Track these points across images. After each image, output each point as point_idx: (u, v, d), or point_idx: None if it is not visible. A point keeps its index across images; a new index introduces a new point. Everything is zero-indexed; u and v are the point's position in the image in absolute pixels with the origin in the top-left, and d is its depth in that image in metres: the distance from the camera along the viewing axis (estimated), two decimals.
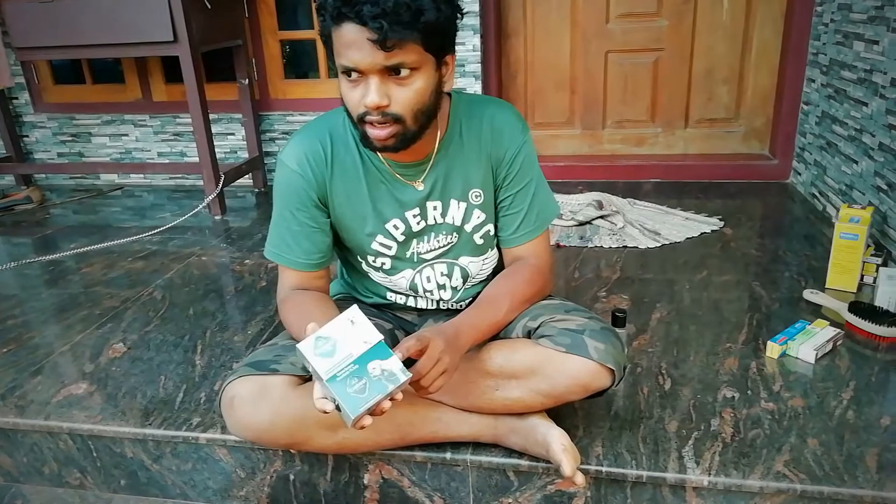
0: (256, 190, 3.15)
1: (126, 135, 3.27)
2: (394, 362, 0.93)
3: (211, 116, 2.94)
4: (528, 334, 1.15)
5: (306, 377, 1.12)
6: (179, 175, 3.29)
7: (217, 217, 2.75)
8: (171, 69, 3.12)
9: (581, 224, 2.37)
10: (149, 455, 1.37)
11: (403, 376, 0.92)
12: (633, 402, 1.35)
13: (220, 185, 2.72)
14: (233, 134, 3.19)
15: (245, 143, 3.13)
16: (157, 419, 1.38)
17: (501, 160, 1.18)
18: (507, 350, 1.13)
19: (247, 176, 3.12)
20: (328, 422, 1.11)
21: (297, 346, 0.92)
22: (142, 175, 3.32)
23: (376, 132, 1.01)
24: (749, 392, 1.38)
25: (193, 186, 3.25)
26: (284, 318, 1.17)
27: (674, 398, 1.37)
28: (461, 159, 1.16)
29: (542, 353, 1.10)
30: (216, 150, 2.83)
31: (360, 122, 1.02)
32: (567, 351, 1.09)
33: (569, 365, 1.08)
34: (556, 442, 1.11)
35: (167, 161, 3.22)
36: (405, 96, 0.99)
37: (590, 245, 2.23)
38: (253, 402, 1.09)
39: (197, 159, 3.10)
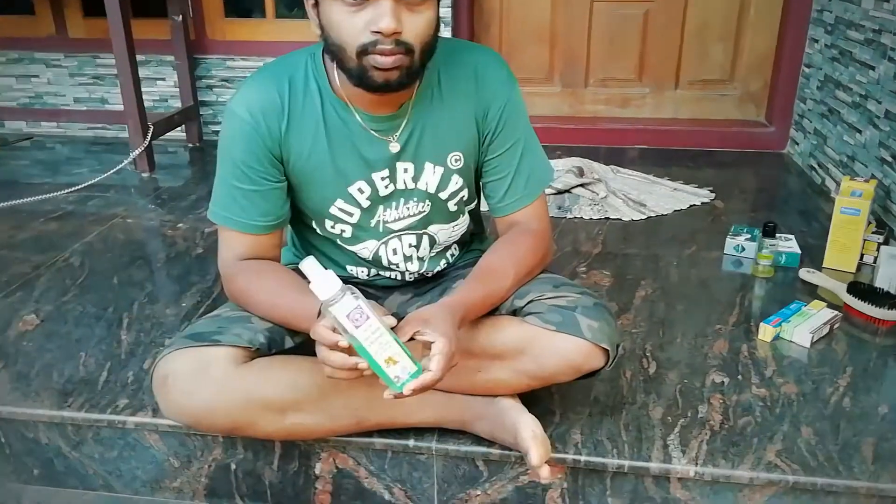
0: (191, 145, 3.09)
1: (36, 76, 3.15)
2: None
3: (138, 58, 2.86)
4: (514, 313, 1.17)
5: (253, 351, 1.12)
6: (100, 125, 3.20)
7: (144, 175, 2.70)
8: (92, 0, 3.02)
9: (559, 192, 2.38)
10: (67, 441, 1.35)
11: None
12: (615, 387, 1.37)
13: (149, 137, 2.66)
14: (163, 79, 3.11)
15: (178, 90, 3.06)
16: (76, 401, 1.35)
17: (486, 116, 1.17)
18: (492, 329, 1.15)
19: (179, 128, 3.05)
20: (277, 403, 1.11)
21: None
22: (55, 123, 3.21)
23: (384, 59, 0.99)
24: (740, 377, 1.41)
25: (116, 139, 3.17)
26: (244, 296, 1.16)
27: (659, 383, 1.39)
28: (439, 115, 1.16)
29: (529, 331, 1.12)
30: (144, 97, 2.76)
31: (360, 55, 1.00)
32: (557, 329, 1.10)
33: (559, 344, 1.10)
34: (526, 429, 1.13)
35: (85, 108, 3.13)
36: (418, 25, 0.99)
37: (568, 216, 2.24)
38: (190, 380, 1.08)
39: (121, 107, 3.01)
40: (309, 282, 0.94)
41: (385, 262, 1.27)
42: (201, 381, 1.08)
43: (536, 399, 1.28)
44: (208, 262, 1.93)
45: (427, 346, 0.99)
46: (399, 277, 1.32)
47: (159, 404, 1.13)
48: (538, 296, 1.16)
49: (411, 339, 0.99)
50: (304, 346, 1.13)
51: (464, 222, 1.30)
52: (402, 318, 1.03)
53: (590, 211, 2.27)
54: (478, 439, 1.23)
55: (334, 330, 0.95)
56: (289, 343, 1.16)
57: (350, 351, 0.95)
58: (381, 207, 1.21)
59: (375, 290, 1.34)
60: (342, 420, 1.18)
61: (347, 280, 1.31)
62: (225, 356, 1.09)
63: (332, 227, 1.23)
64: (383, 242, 1.25)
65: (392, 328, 0.97)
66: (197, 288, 1.79)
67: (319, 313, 1.00)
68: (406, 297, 1.36)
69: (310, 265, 0.94)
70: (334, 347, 0.95)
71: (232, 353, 1.10)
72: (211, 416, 1.10)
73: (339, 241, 1.25)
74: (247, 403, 1.09)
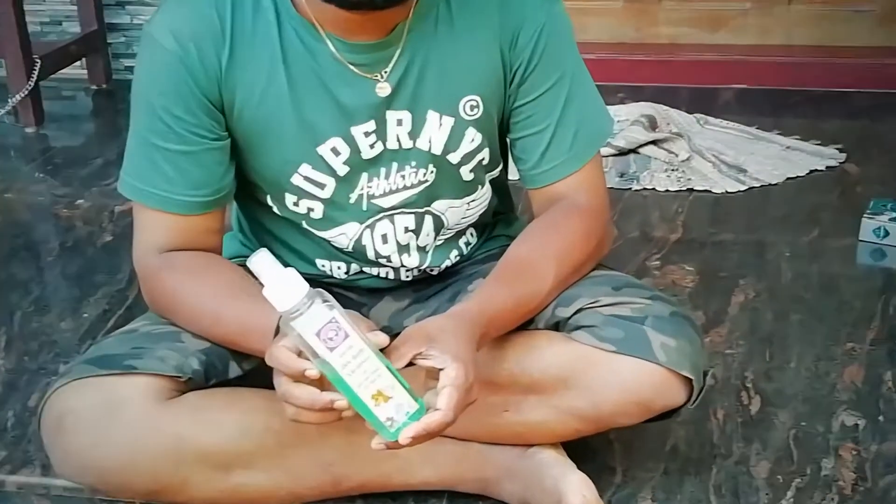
0: (95, 87, 3.09)
1: None
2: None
3: None
4: (557, 327, 1.18)
5: (184, 382, 1.13)
6: None
7: (29, 130, 2.71)
8: None
9: (622, 153, 2.36)
10: None
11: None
12: (701, 432, 1.38)
13: (35, 77, 2.66)
14: None
15: (75, 7, 3.05)
16: None
17: (514, 43, 1.18)
18: (525, 350, 1.16)
19: (79, 64, 3.05)
20: (218, 456, 1.11)
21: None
22: None
23: None
24: (881, 419, 1.40)
25: None
26: (170, 303, 1.17)
27: (765, 426, 1.39)
28: (447, 44, 1.16)
29: (579, 353, 1.13)
30: (27, 17, 2.75)
31: None
32: (618, 350, 1.11)
33: (621, 372, 1.11)
34: (576, 494, 1.13)
35: None
36: None
37: (635, 187, 2.23)
38: (95, 424, 1.09)
39: None
40: (262, 285, 0.94)
41: (371, 255, 1.27)
42: (111, 424, 1.08)
43: (589, 450, 1.27)
44: (120, 254, 1.93)
45: (433, 374, 0.99)
46: (391, 276, 1.32)
47: (51, 457, 1.13)
48: (591, 302, 1.16)
49: (410, 364, 0.99)
50: (257, 374, 1.13)
51: (483, 197, 1.30)
52: (397, 334, 1.03)
53: (666, 180, 2.26)
54: None
55: (300, 354, 0.95)
56: (234, 371, 1.17)
57: (323, 383, 0.95)
58: (364, 176, 1.20)
59: (358, 294, 1.35)
60: (310, 479, 1.18)
61: (318, 281, 1.30)
62: (144, 389, 1.10)
63: (296, 205, 1.23)
64: (368, 226, 1.25)
65: (382, 350, 0.97)
66: (104, 292, 1.78)
67: (278, 329, 1.00)
68: (402, 305, 1.36)
69: (262, 261, 0.94)
70: (300, 378, 0.95)
71: (154, 386, 1.10)
72: (124, 473, 1.10)
73: (305, 225, 1.25)
74: (175, 456, 1.10)
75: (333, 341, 0.92)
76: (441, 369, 0.98)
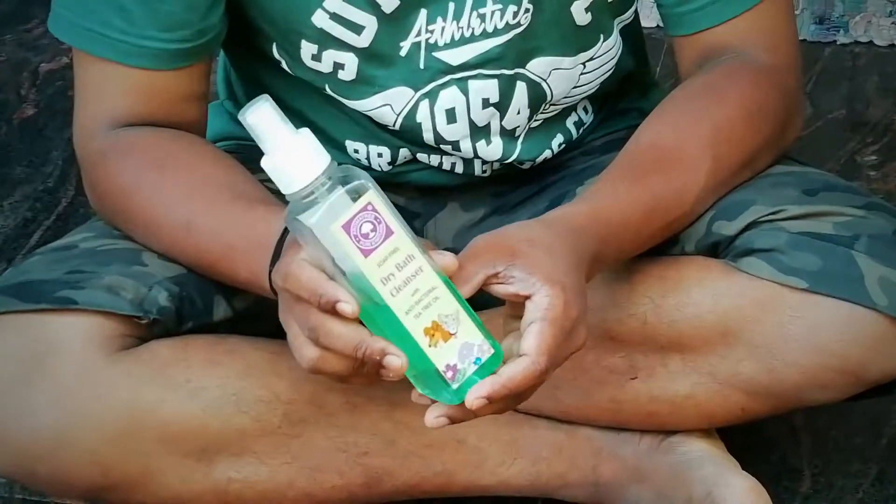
0: None
1: None
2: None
3: None
4: (714, 248, 1.18)
5: (145, 325, 1.14)
6: None
7: None
8: None
9: None
10: None
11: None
12: None
13: None
14: None
15: None
16: None
17: None
18: (666, 284, 1.18)
19: None
20: (196, 437, 1.14)
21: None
22: None
23: None
24: None
25: None
26: (126, 203, 1.19)
27: None
28: None
29: (749, 292, 1.14)
30: None
31: None
32: (812, 288, 1.12)
33: (817, 321, 1.12)
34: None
35: None
36: None
37: (841, 39, 2.23)
38: (15, 384, 1.12)
39: None
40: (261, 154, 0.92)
41: (430, 139, 1.28)
42: (36, 385, 1.11)
43: (762, 442, 1.29)
44: (49, 135, 1.96)
45: (517, 309, 0.99)
46: (459, 169, 1.34)
47: None
48: (769, 213, 1.15)
49: (479, 291, 0.98)
50: (255, 317, 1.15)
51: (607, 55, 1.31)
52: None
53: (891, 29, 2.24)
54: None
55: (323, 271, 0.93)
56: (222, 310, 1.20)
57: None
58: (422, 14, 1.21)
59: (407, 198, 1.38)
60: (334, 475, 1.21)
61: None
62: (85, 335, 1.12)
63: (316, 59, 1.23)
64: (426, 94, 1.26)
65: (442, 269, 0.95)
66: (24, 192, 1.83)
67: (285, 232, 1.00)
68: (474, 217, 1.39)
69: (262, 115, 0.91)
70: (325, 308, 0.93)
71: (100, 329, 1.12)
72: (55, 460, 1.13)
73: (329, 91, 1.27)
74: (131, 436, 1.13)
75: (369, 239, 0.90)
76: (527, 297, 0.96)
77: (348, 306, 0.89)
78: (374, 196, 0.90)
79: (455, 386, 0.93)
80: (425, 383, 0.94)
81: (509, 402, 0.96)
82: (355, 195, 0.90)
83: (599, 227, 1.06)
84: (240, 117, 0.91)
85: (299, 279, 0.92)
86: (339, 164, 1.26)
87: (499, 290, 0.97)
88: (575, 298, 0.97)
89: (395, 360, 0.91)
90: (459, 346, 0.93)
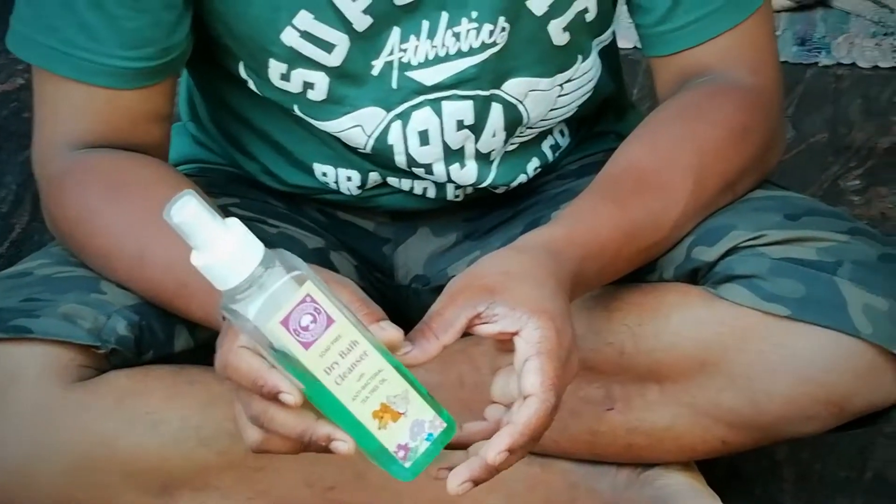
0: None
1: None
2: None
3: None
4: (694, 275, 1.18)
5: (102, 355, 1.14)
6: None
7: None
8: None
9: (803, 7, 2.37)
10: None
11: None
12: None
13: None
14: None
15: None
16: None
17: None
18: (644, 312, 1.18)
19: None
20: (155, 470, 1.13)
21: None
22: None
23: None
24: None
25: None
26: (82, 230, 1.19)
27: None
28: None
29: (730, 319, 1.14)
30: None
31: None
32: (795, 315, 1.11)
33: (799, 349, 1.12)
34: None
35: None
36: None
37: (824, 60, 2.24)
38: None
39: None
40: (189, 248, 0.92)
41: (401, 162, 1.28)
42: None
43: (742, 476, 1.30)
44: (6, 155, 1.94)
45: (506, 345, 0.98)
46: (431, 193, 1.33)
47: None
48: (750, 238, 1.15)
49: (466, 334, 0.98)
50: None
51: (586, 77, 1.31)
52: (435, 289, 1.02)
53: (874, 50, 2.26)
54: None
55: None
56: (183, 341, 1.19)
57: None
58: (395, 32, 1.21)
59: (377, 223, 1.38)
60: None
61: (316, 199, 1.32)
62: (42, 365, 1.11)
63: (285, 79, 1.23)
64: (399, 115, 1.25)
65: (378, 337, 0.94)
66: None
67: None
68: (446, 243, 1.39)
69: (186, 211, 0.90)
70: (268, 398, 0.92)
71: (57, 359, 1.12)
72: (16, 491, 1.13)
73: (298, 111, 1.26)
74: (88, 470, 1.12)
75: (309, 331, 0.90)
76: (515, 333, 0.95)
77: (290, 397, 0.88)
78: (312, 286, 0.89)
79: (407, 464, 0.93)
80: (377, 459, 0.94)
81: (531, 444, 0.95)
82: (293, 285, 0.89)
83: (577, 250, 1.05)
84: (164, 216, 0.89)
85: (238, 370, 0.91)
86: (307, 192, 1.26)
87: (484, 330, 0.96)
88: (564, 325, 0.96)
89: (342, 446, 0.90)
90: (410, 425, 0.93)
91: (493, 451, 0.90)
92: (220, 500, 1.15)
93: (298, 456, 1.13)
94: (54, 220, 1.20)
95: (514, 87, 1.26)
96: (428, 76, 1.22)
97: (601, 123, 1.40)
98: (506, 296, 0.96)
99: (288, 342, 0.87)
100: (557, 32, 1.23)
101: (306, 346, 0.88)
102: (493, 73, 1.24)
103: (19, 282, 1.18)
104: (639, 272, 1.17)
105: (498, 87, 1.25)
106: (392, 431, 0.91)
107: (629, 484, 1.21)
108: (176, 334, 1.16)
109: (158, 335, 1.15)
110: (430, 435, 0.92)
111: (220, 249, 0.87)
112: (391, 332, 0.93)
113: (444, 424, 0.93)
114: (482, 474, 0.92)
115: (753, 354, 1.12)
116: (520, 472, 1.19)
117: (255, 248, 0.88)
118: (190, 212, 0.87)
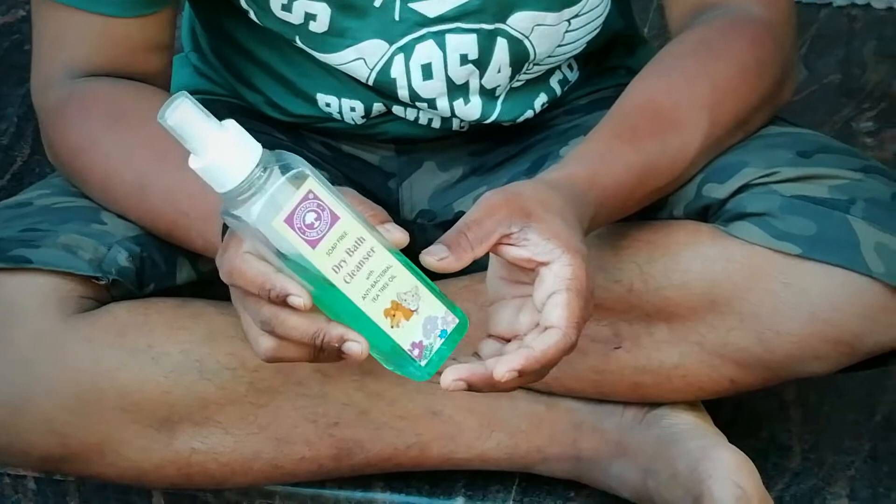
0: None
1: None
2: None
3: None
4: (705, 212, 1.18)
5: (104, 286, 1.14)
6: None
7: None
8: None
9: None
10: None
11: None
12: None
13: None
14: None
15: None
16: None
17: None
18: (654, 250, 1.18)
19: None
20: (157, 405, 1.13)
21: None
22: None
23: None
24: None
25: None
26: (82, 160, 1.19)
27: None
28: None
29: (740, 257, 1.14)
30: None
31: None
32: (806, 254, 1.11)
33: (810, 288, 1.12)
34: (727, 483, 1.13)
35: None
36: None
37: (836, 1, 2.22)
38: None
39: None
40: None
41: (405, 94, 1.28)
42: None
43: (751, 416, 1.29)
44: (7, 87, 1.93)
45: (514, 271, 0.98)
46: (437, 125, 1.33)
47: None
48: (762, 175, 1.15)
49: (468, 270, 0.98)
50: (221, 281, 1.11)
51: (594, 11, 1.30)
52: (441, 224, 1.01)
53: None
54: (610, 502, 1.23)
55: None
56: (186, 273, 1.20)
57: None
58: None
59: (381, 155, 1.38)
60: (303, 446, 1.21)
61: (319, 129, 1.32)
62: (41, 296, 1.12)
63: (286, 9, 1.22)
64: (401, 48, 1.25)
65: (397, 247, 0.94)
66: None
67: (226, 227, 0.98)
68: (451, 177, 1.38)
69: (181, 113, 0.89)
70: (277, 302, 0.91)
71: (57, 290, 1.12)
72: (9, 427, 1.13)
73: (299, 43, 1.26)
74: (89, 403, 1.12)
75: (315, 229, 0.89)
76: (542, 263, 0.95)
77: (299, 299, 0.88)
78: (314, 183, 0.89)
79: (423, 363, 0.93)
80: (392, 362, 0.93)
81: (537, 376, 0.94)
82: (295, 183, 0.88)
83: (596, 193, 1.05)
84: (159, 120, 0.88)
85: (245, 275, 0.91)
86: (309, 121, 1.25)
87: (511, 252, 0.95)
88: (590, 267, 0.96)
89: (356, 346, 0.90)
90: (423, 322, 0.92)
91: (503, 366, 0.90)
92: (221, 435, 1.16)
93: (301, 392, 1.16)
94: (54, 150, 1.20)
95: (519, 22, 1.24)
96: (430, 7, 1.21)
97: (611, 58, 1.39)
98: (542, 225, 0.95)
99: (294, 241, 0.87)
100: None
101: (312, 244, 0.87)
102: (497, 5, 1.22)
103: (19, 212, 1.18)
104: (649, 209, 1.16)
105: (503, 20, 1.23)
106: (405, 329, 0.91)
107: (635, 423, 1.21)
108: (178, 266, 1.17)
109: (160, 267, 1.16)
110: (444, 332, 0.92)
111: (216, 150, 0.87)
112: (396, 234, 0.93)
113: (457, 320, 0.93)
114: (480, 383, 0.92)
115: (763, 293, 1.12)
116: (524, 410, 1.22)
117: (252, 148, 0.88)
118: (184, 113, 0.87)
